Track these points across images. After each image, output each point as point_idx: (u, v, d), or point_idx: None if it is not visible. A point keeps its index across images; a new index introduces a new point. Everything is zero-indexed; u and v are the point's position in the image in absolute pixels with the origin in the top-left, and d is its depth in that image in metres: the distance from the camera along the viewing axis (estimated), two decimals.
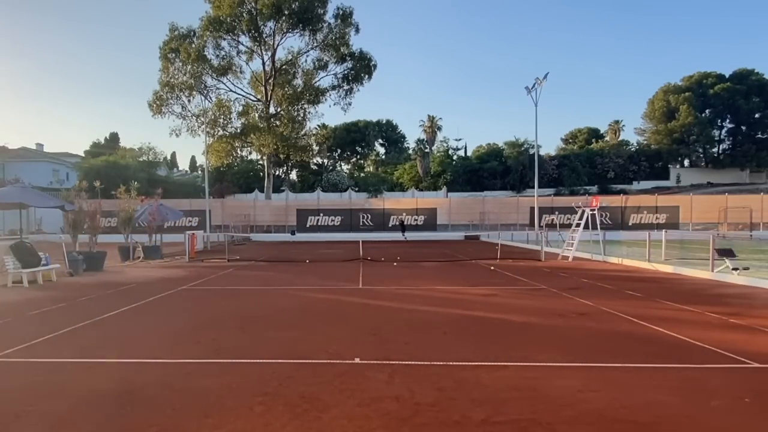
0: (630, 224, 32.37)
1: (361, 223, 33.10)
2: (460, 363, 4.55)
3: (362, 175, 59.67)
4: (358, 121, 62.16)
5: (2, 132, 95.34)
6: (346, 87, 38.29)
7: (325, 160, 61.35)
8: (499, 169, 53.27)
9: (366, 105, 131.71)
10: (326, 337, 5.64)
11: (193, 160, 69.64)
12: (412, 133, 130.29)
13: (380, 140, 66.73)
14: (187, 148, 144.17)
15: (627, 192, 45.23)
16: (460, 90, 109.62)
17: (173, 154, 69.20)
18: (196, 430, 3.15)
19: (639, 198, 35.98)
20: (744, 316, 6.64)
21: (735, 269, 10.39)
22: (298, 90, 37.36)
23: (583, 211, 16.35)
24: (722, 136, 58.05)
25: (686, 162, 60.48)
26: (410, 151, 63.25)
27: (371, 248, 19.98)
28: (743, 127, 55.40)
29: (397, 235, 29.45)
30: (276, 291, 9.62)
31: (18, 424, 3.29)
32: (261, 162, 47.22)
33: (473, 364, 4.54)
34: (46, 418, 3.35)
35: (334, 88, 38.39)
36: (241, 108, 38.26)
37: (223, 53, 36.45)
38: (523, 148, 53.46)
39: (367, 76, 37.98)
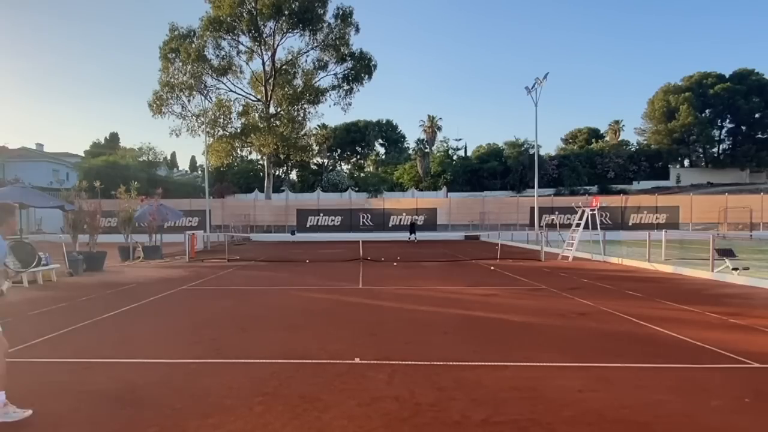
0: (630, 224, 32.36)
1: (361, 223, 33.09)
2: (460, 363, 4.55)
3: (362, 175, 59.69)
4: (358, 121, 62.17)
5: (2, 132, 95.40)
6: (346, 87, 38.27)
7: (325, 160, 61.36)
8: (499, 169, 53.28)
9: (366, 105, 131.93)
10: (326, 337, 5.64)
11: (193, 160, 69.72)
12: (412, 133, 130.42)
13: (380, 140, 66.75)
14: (187, 148, 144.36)
15: (627, 192, 45.23)
16: (460, 90, 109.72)
17: (173, 154, 69.31)
18: (196, 430, 3.15)
19: (639, 198, 35.97)
20: (744, 316, 6.64)
21: (735, 269, 10.39)
22: (298, 90, 37.33)
23: (583, 211, 16.36)
24: (722, 136, 58.09)
25: (686, 162, 60.51)
26: (410, 151, 63.28)
27: (371, 248, 19.97)
28: (743, 127, 55.43)
29: (399, 235, 29.41)
30: (276, 291, 9.62)
31: (18, 424, 3.28)
32: (261, 162, 47.22)
33: (473, 364, 4.54)
34: (46, 418, 3.35)
35: (334, 88, 38.38)
36: (241, 108, 38.26)
37: (223, 53, 36.44)
38: (523, 148, 53.48)
39: (367, 76, 37.97)
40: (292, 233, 31.65)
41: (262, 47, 36.49)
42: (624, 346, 5.19)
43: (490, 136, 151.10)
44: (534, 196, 30.54)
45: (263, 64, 37.28)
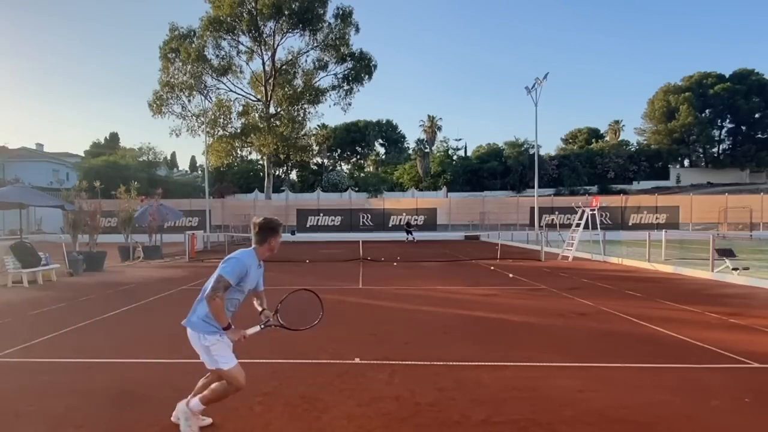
0: (630, 224, 32.35)
1: (361, 223, 33.10)
2: (460, 363, 4.55)
3: (362, 175, 59.67)
4: (358, 121, 62.16)
5: (2, 132, 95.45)
6: (346, 87, 38.27)
7: (325, 160, 61.36)
8: (499, 169, 53.28)
9: (366, 105, 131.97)
10: (326, 337, 5.63)
11: (193, 160, 69.74)
12: (412, 133, 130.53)
13: (380, 140, 66.74)
14: (187, 148, 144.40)
15: (627, 192, 45.23)
16: (460, 90, 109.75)
17: (173, 154, 69.35)
18: None
19: (639, 198, 35.97)
20: (744, 316, 6.64)
21: (735, 269, 10.39)
22: (298, 90, 37.32)
23: (583, 211, 16.36)
24: (722, 136, 58.10)
25: (686, 162, 60.51)
26: (410, 151, 63.26)
27: (371, 248, 19.97)
28: (743, 127, 55.43)
29: (399, 235, 29.41)
30: (276, 291, 9.58)
31: (18, 424, 3.29)
32: (261, 162, 47.21)
33: (473, 364, 4.53)
34: (46, 418, 3.35)
35: (334, 88, 38.38)
36: (241, 108, 38.27)
37: (223, 53, 36.44)
38: (523, 148, 53.49)
39: (367, 76, 37.96)
40: (292, 233, 31.63)
41: (262, 47, 36.48)
42: (624, 346, 5.19)
43: (490, 136, 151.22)
44: (534, 196, 30.54)
45: (263, 64, 37.29)
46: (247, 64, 38.52)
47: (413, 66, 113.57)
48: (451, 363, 4.54)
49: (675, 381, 4.09)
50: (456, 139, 71.38)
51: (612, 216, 31.71)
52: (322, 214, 34.08)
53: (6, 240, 13.66)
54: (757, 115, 53.43)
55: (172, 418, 3.19)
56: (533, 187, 31.47)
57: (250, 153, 44.96)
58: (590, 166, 53.86)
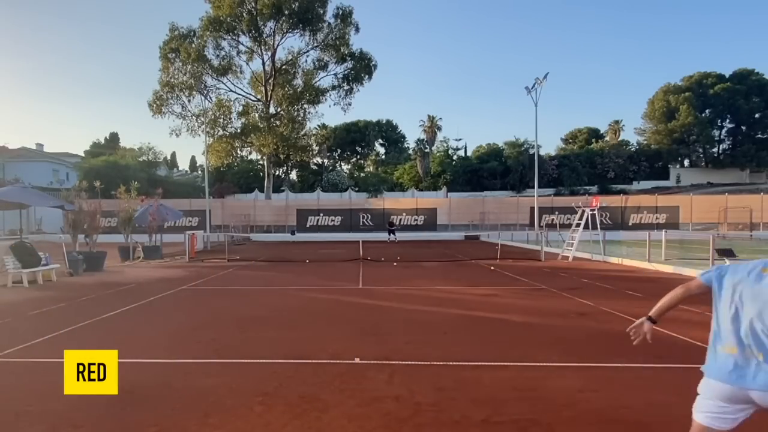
0: (630, 224, 32.35)
1: (361, 223, 33.10)
2: (460, 363, 4.55)
3: (362, 175, 59.66)
4: (358, 121, 62.14)
5: (2, 132, 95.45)
6: (346, 87, 38.30)
7: (325, 160, 61.34)
8: (499, 169, 53.26)
9: (366, 105, 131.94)
10: (326, 337, 5.64)
11: (193, 160, 69.70)
12: (412, 133, 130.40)
13: (380, 140, 66.72)
14: (187, 148, 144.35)
15: (627, 192, 45.22)
16: (460, 90, 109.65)
17: (173, 154, 69.30)
18: (196, 430, 3.15)
19: (639, 198, 35.97)
20: None
21: None
22: (298, 90, 37.34)
23: (583, 211, 16.35)
24: (722, 136, 58.05)
25: (686, 162, 60.48)
26: (410, 151, 63.23)
27: (371, 248, 19.98)
28: (743, 127, 55.40)
29: (399, 235, 29.39)
30: (276, 291, 9.62)
31: (18, 424, 3.29)
32: (261, 162, 47.23)
33: (473, 364, 4.54)
34: (46, 418, 3.35)
35: (334, 88, 38.40)
36: (241, 108, 38.30)
37: (223, 53, 36.47)
38: (523, 148, 53.46)
39: (367, 76, 37.97)
40: (292, 233, 31.66)
41: (262, 47, 36.49)
42: (624, 346, 5.17)
43: (490, 136, 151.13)
44: (534, 196, 30.53)
45: (263, 64, 37.31)
46: (247, 64, 38.60)
47: (413, 66, 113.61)
48: (451, 363, 4.54)
49: (675, 381, 4.09)
50: (456, 139, 71.34)
51: (612, 216, 31.71)
52: (322, 214, 34.08)
53: (6, 240, 13.67)
54: (757, 115, 53.38)
55: None
56: (533, 187, 31.47)
57: (250, 153, 45.02)
58: (590, 166, 53.85)
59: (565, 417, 3.32)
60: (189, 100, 36.13)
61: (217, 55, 36.30)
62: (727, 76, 55.23)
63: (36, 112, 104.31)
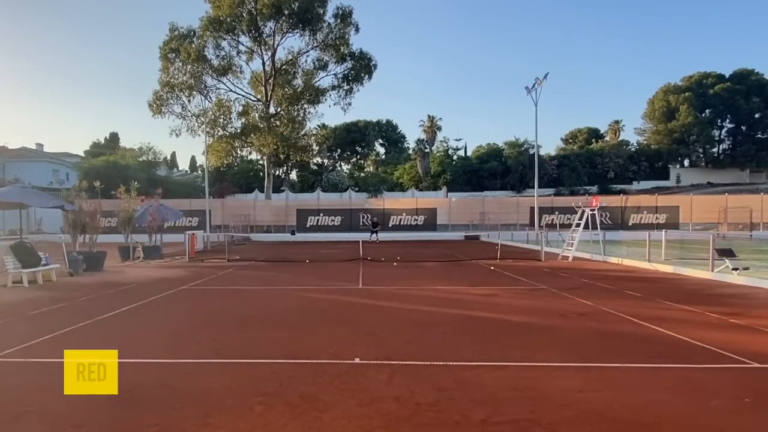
0: (630, 224, 32.35)
1: (361, 223, 33.09)
2: (460, 363, 4.55)
3: (362, 175, 59.68)
4: (358, 121, 62.18)
5: (2, 132, 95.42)
6: (346, 87, 38.28)
7: (325, 160, 61.36)
8: (499, 169, 53.27)
9: (366, 105, 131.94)
10: (326, 337, 5.64)
11: (193, 160, 69.72)
12: (412, 133, 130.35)
13: (380, 140, 66.77)
14: (187, 148, 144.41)
15: (627, 192, 45.23)
16: (460, 90, 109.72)
17: (173, 154, 69.34)
18: (196, 430, 3.15)
19: (639, 198, 35.97)
20: (744, 316, 6.64)
21: (735, 269, 10.39)
22: (298, 90, 37.35)
23: (583, 211, 16.35)
24: (722, 136, 58.09)
25: (686, 162, 60.50)
26: (410, 151, 63.25)
27: (371, 248, 19.97)
28: (743, 127, 55.42)
29: (399, 235, 29.40)
30: (276, 291, 9.62)
31: (18, 424, 3.29)
32: (261, 162, 47.24)
33: (473, 364, 4.54)
34: (46, 418, 3.35)
35: (334, 88, 38.39)
36: (241, 108, 38.29)
37: (223, 53, 36.46)
38: (523, 148, 53.48)
39: (367, 76, 37.97)
40: (292, 233, 31.65)
41: (262, 47, 36.50)
42: (624, 346, 5.19)
43: (490, 136, 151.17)
44: (534, 196, 30.54)
45: (263, 64, 37.32)
46: (247, 64, 38.61)
47: (413, 66, 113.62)
48: (451, 363, 4.54)
49: (675, 381, 4.10)
50: (456, 139, 71.37)
51: (612, 216, 31.71)
52: (322, 214, 34.08)
53: (6, 240, 13.67)
54: (757, 115, 53.41)
55: None
56: (533, 187, 31.47)
57: (250, 153, 45.03)
58: (590, 166, 53.86)
59: (565, 417, 3.32)
60: (189, 100, 36.17)
61: (217, 55, 36.33)
62: (727, 76, 55.26)
63: (36, 112, 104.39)
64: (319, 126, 52.38)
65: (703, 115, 54.89)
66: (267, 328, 6.27)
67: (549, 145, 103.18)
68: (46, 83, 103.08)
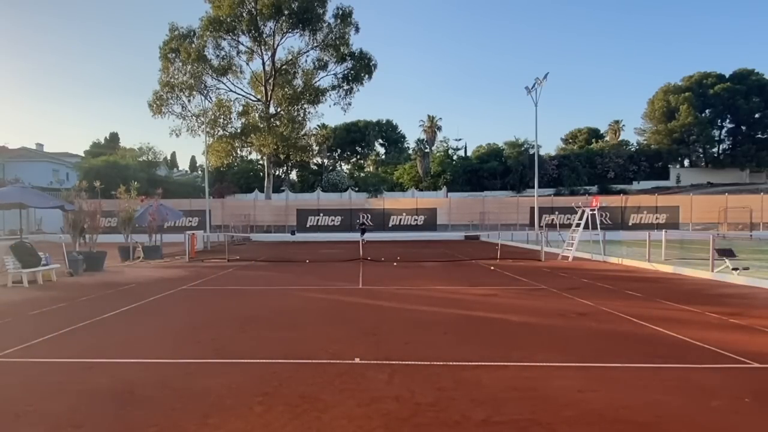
0: (630, 224, 32.35)
1: (360, 223, 33.10)
2: (460, 363, 4.55)
3: (362, 175, 59.67)
4: (358, 121, 62.16)
5: (2, 132, 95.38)
6: (346, 87, 38.26)
7: (325, 160, 61.35)
8: (499, 169, 53.27)
9: (366, 105, 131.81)
10: (326, 337, 5.64)
11: (193, 160, 69.72)
12: (412, 133, 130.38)
13: (380, 140, 66.74)
14: (187, 148, 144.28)
15: (627, 192, 45.22)
16: (460, 90, 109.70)
17: (173, 154, 69.35)
18: (196, 430, 3.15)
19: (639, 198, 35.96)
20: (744, 316, 6.64)
21: (735, 269, 10.39)
22: (298, 90, 37.33)
23: (583, 211, 16.35)
24: (722, 136, 58.08)
25: (686, 162, 60.49)
26: (410, 151, 63.24)
27: (371, 248, 19.97)
28: (743, 127, 55.41)
29: (399, 235, 29.40)
30: (276, 291, 9.62)
31: (18, 424, 3.29)
32: (261, 162, 47.23)
33: (473, 364, 4.54)
34: (46, 418, 3.35)
35: (334, 88, 38.37)
36: (241, 108, 38.27)
37: (223, 53, 36.43)
38: (523, 148, 53.48)
39: (367, 76, 37.96)
40: (292, 233, 31.65)
41: (262, 47, 36.49)
42: (624, 346, 5.19)
43: (490, 136, 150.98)
44: (534, 196, 30.53)
45: (263, 64, 37.30)
46: (247, 64, 38.59)
47: (413, 66, 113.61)
48: (451, 363, 4.54)
49: (675, 381, 4.10)
50: (456, 139, 71.36)
51: (612, 216, 31.71)
52: (322, 214, 34.08)
53: (6, 240, 13.67)
54: (757, 115, 53.39)
55: None
56: (533, 187, 31.47)
57: (250, 153, 45.01)
58: (590, 166, 53.85)
59: (565, 417, 3.32)
60: (189, 100, 36.14)
61: (217, 55, 36.31)
62: (727, 76, 55.26)
63: (36, 112, 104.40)
64: (319, 126, 52.38)
65: (703, 115, 54.88)
66: (267, 328, 6.27)
67: (549, 145, 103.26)
68: (46, 83, 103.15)
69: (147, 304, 8.08)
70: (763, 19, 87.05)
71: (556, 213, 30.86)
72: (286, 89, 37.02)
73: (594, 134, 63.71)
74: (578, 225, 16.19)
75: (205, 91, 36.27)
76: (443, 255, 18.04)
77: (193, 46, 34.81)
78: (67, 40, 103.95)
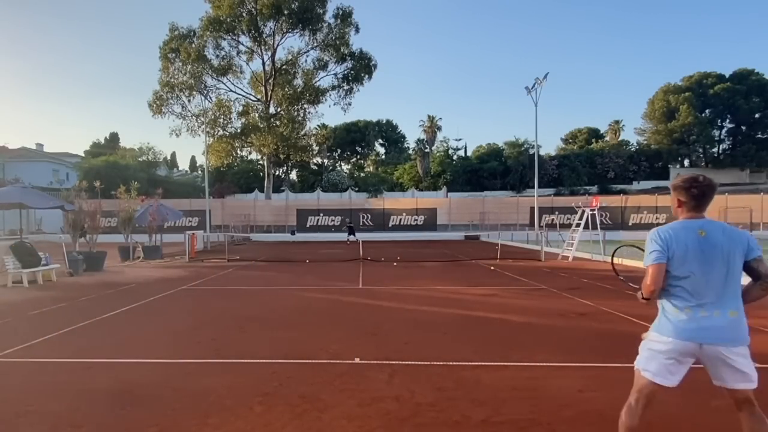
0: (630, 224, 32.36)
1: (361, 223, 33.10)
2: (460, 363, 4.55)
3: (362, 175, 59.66)
4: (358, 121, 62.15)
5: (2, 132, 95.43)
6: (346, 87, 38.30)
7: (325, 160, 61.34)
8: (499, 169, 53.26)
9: (366, 105, 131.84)
10: (326, 337, 5.64)
11: (193, 160, 69.76)
12: (412, 133, 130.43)
13: (380, 140, 66.72)
14: (187, 148, 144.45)
15: (627, 192, 45.20)
16: (460, 90, 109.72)
17: (173, 154, 69.40)
18: (196, 430, 3.15)
19: (639, 198, 35.96)
20: None
21: None
22: (298, 90, 37.35)
23: (583, 211, 16.35)
24: (722, 136, 58.07)
25: (686, 162, 60.47)
26: (410, 151, 63.23)
27: (371, 248, 19.97)
28: (743, 127, 55.40)
29: (399, 235, 29.40)
30: (276, 291, 9.62)
31: (18, 424, 3.29)
32: (261, 162, 47.23)
33: (473, 364, 4.53)
34: (46, 418, 3.35)
35: (334, 88, 38.40)
36: (241, 108, 38.30)
37: (223, 53, 36.48)
38: (523, 148, 53.48)
39: (367, 76, 37.98)
40: (292, 233, 31.66)
41: (262, 47, 36.50)
42: (624, 346, 5.17)
43: (490, 136, 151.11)
44: (534, 196, 30.54)
45: (263, 64, 37.32)
46: (247, 64, 38.61)
47: (413, 66, 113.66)
48: (451, 363, 4.54)
49: None
50: (456, 139, 71.44)
51: (612, 216, 31.71)
52: (322, 214, 34.08)
53: (6, 240, 13.67)
54: (757, 115, 53.37)
55: None
56: (533, 187, 31.48)
57: (250, 153, 45.06)
58: (590, 166, 53.84)
59: (565, 417, 3.32)
60: (189, 100, 36.18)
61: (217, 55, 36.34)
62: (727, 76, 55.23)
63: (36, 112, 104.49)
64: (319, 126, 52.42)
65: (703, 115, 54.87)
66: (267, 328, 6.27)
67: (549, 145, 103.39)
68: (46, 83, 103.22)
69: (147, 304, 8.08)
70: (763, 19, 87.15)
71: (556, 213, 30.86)
72: (286, 89, 37.03)
73: (594, 134, 63.67)
74: (578, 225, 16.19)
75: (205, 91, 36.31)
76: (443, 255, 18.03)
77: (193, 46, 34.83)
78: (67, 40, 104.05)
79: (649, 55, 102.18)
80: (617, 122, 62.12)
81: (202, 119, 34.86)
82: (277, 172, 53.67)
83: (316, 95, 37.76)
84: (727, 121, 56.29)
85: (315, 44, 36.70)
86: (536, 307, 7.59)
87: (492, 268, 13.47)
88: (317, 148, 51.12)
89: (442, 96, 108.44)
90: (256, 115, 38.43)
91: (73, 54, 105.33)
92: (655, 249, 2.41)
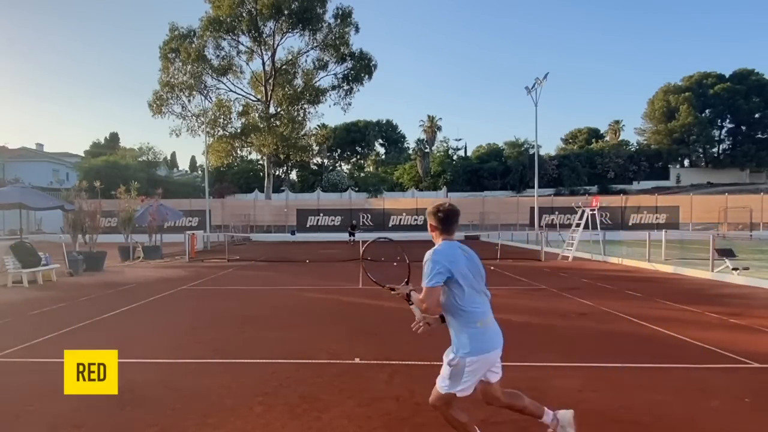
0: (630, 224, 32.36)
1: (361, 223, 33.10)
2: None
3: (362, 175, 59.67)
4: (358, 121, 62.16)
5: (2, 132, 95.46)
6: (346, 87, 38.31)
7: (325, 160, 61.34)
8: (499, 169, 53.27)
9: (366, 105, 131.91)
10: (326, 337, 5.64)
11: (193, 160, 69.72)
12: (412, 133, 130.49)
13: (380, 140, 66.73)
14: (187, 148, 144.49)
15: (627, 192, 45.22)
16: (460, 90, 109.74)
17: (173, 154, 69.35)
18: (196, 430, 3.15)
19: (639, 198, 35.97)
20: (744, 316, 6.63)
21: (735, 269, 10.39)
22: (298, 90, 37.35)
23: (583, 211, 16.35)
24: (722, 136, 58.07)
25: (686, 162, 60.48)
26: (410, 151, 63.23)
27: (371, 248, 19.93)
28: (743, 127, 55.40)
29: (399, 235, 29.35)
30: (276, 291, 9.61)
31: (18, 424, 3.29)
32: (261, 162, 47.24)
33: None
34: (46, 418, 3.35)
35: (334, 88, 38.41)
36: (241, 108, 38.31)
37: (223, 53, 36.51)
38: (523, 148, 53.49)
39: (367, 76, 37.99)
40: (292, 233, 31.66)
41: (262, 47, 36.50)
42: (624, 346, 5.19)
43: (490, 136, 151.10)
44: (534, 196, 30.53)
45: (263, 64, 37.33)
46: (247, 64, 38.63)
47: (413, 66, 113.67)
48: None
49: (675, 381, 4.09)
50: (456, 139, 71.51)
51: (612, 216, 31.71)
52: (322, 214, 34.07)
53: (6, 240, 13.66)
54: (757, 115, 53.39)
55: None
56: (533, 187, 31.47)
57: (250, 153, 45.04)
58: (590, 166, 53.84)
59: None
60: (189, 100, 36.20)
61: (217, 55, 36.36)
62: (727, 76, 55.25)
63: (36, 112, 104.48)
64: (319, 126, 52.39)
65: (703, 115, 54.87)
66: (267, 328, 6.27)
67: (549, 145, 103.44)
68: (46, 83, 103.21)
69: (147, 304, 8.08)
70: (763, 19, 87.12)
71: (556, 213, 30.88)
72: (286, 89, 37.03)
73: (594, 134, 63.65)
74: (578, 225, 16.19)
75: (205, 91, 36.31)
76: None
77: (193, 46, 34.84)
78: (67, 40, 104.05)
79: (649, 55, 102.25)
80: (617, 122, 62.12)
81: (202, 119, 34.87)
82: (277, 172, 53.68)
83: (316, 95, 37.77)
84: (727, 121, 56.30)
85: (315, 44, 36.73)
86: (536, 307, 7.59)
87: (492, 268, 13.46)
88: (317, 148, 51.13)
89: (442, 96, 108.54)
90: (256, 115, 38.43)
91: (73, 54, 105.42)
92: None
